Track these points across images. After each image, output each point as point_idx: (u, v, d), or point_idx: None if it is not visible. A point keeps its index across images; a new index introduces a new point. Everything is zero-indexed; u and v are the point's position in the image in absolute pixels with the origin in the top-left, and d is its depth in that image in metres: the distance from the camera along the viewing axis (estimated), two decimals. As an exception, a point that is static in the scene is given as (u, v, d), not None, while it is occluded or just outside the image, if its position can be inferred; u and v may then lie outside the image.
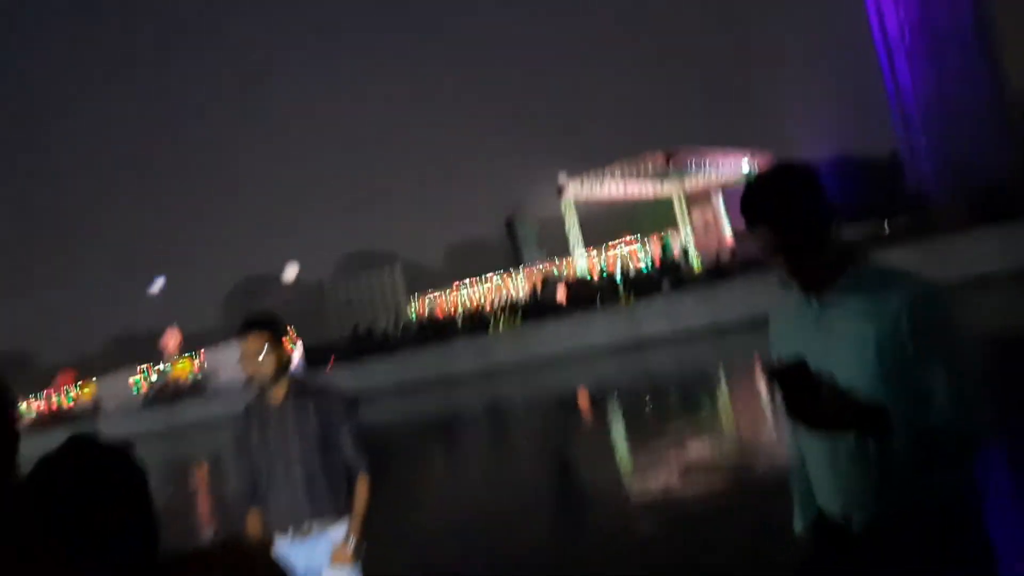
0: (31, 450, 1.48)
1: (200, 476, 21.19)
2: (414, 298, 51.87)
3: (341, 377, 36.66)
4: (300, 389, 3.74)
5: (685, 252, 43.16)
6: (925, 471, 1.95)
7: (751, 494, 7.78)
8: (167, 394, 50.20)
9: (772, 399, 12.35)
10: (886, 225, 37.67)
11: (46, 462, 1.36)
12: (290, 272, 70.26)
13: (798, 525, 2.38)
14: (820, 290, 2.09)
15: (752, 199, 2.08)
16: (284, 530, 3.60)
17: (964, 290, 26.88)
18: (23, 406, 65.83)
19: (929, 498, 1.98)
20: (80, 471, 1.33)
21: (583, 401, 20.22)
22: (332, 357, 42.92)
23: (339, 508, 3.63)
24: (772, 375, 1.86)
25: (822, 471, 2.13)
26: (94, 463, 1.36)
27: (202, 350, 52.42)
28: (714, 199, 49.67)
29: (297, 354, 43.02)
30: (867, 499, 2.02)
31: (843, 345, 2.01)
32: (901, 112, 54.69)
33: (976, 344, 1.93)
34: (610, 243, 47.90)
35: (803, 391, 1.82)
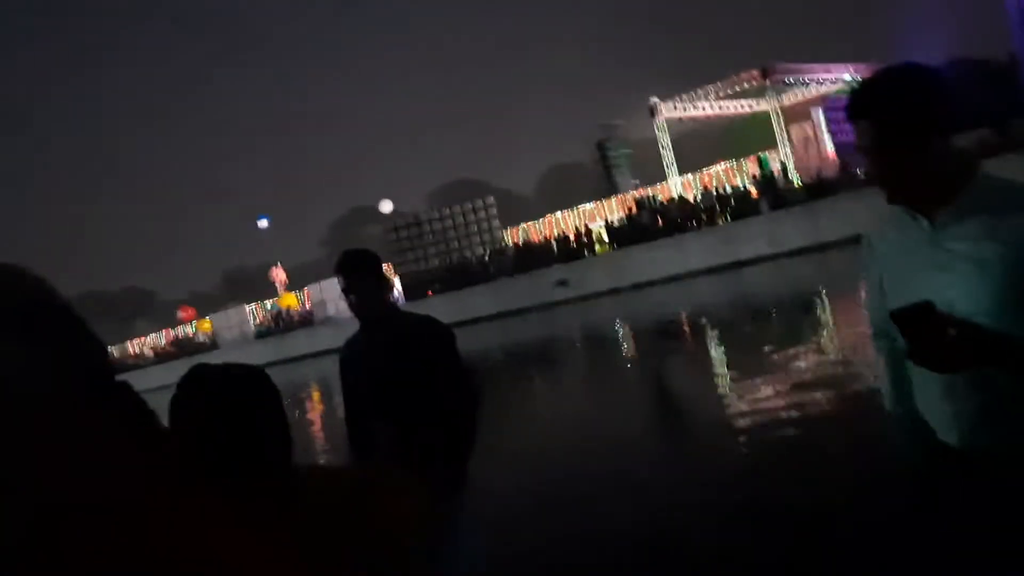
0: (162, 379, 1.72)
1: (314, 401, 22.37)
2: (508, 227, 52.17)
3: (440, 307, 37.56)
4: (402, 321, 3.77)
5: (784, 170, 41.77)
6: None
7: (851, 419, 7.78)
8: (278, 326, 52.58)
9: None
10: (1004, 132, 35.34)
11: (191, 383, 1.58)
12: (385, 206, 71.49)
13: (903, 458, 2.23)
14: (933, 209, 1.93)
15: (861, 91, 1.94)
16: None
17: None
18: (149, 339, 70.28)
19: None
20: (221, 390, 1.55)
21: (682, 325, 20.21)
22: (430, 289, 43.93)
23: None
24: (895, 319, 1.75)
25: (934, 399, 2.01)
26: (235, 383, 1.58)
27: (307, 286, 54.46)
28: (814, 114, 47.56)
29: (396, 286, 44.17)
30: (989, 426, 1.89)
31: (962, 269, 1.86)
32: (1018, 8, 50.58)
33: None
34: (706, 167, 46.73)
35: (929, 335, 1.71)
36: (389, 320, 3.79)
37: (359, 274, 3.71)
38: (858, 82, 2.01)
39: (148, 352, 66.80)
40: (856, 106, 1.92)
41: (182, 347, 61.61)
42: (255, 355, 45.35)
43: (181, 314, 76.31)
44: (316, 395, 23.88)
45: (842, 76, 53.34)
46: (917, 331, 1.71)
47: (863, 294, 2.28)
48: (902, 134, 1.87)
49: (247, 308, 57.38)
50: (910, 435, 2.17)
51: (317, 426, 17.22)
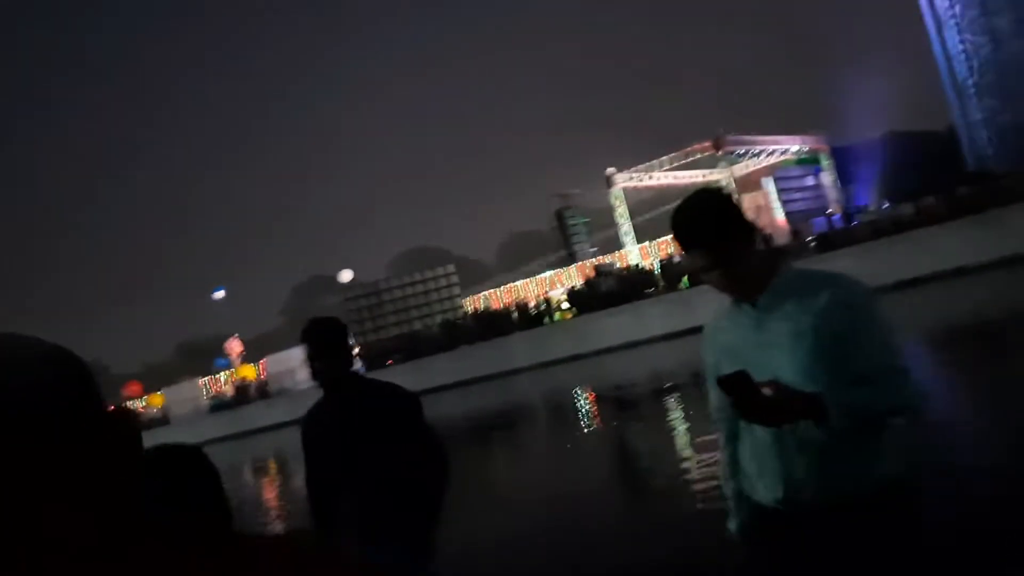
0: None
1: (270, 475, 21.80)
2: (468, 295, 52.28)
3: (400, 376, 37.15)
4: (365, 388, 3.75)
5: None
6: (865, 452, 2.15)
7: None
8: (233, 400, 51.53)
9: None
10: (947, 199, 36.68)
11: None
12: (345, 275, 71.27)
13: (733, 525, 2.51)
14: (754, 297, 2.28)
15: (681, 227, 2.27)
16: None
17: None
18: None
19: (866, 482, 2.14)
20: (158, 469, 1.55)
21: (639, 391, 20.26)
22: (391, 359, 43.57)
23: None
24: (720, 385, 2.07)
25: (767, 461, 2.26)
26: (171, 462, 1.57)
27: (265, 357, 53.64)
28: (765, 184, 48.99)
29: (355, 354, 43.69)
30: (811, 484, 2.17)
31: (783, 343, 2.19)
32: (954, 83, 53.17)
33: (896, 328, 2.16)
34: (663, 236, 47.64)
35: (749, 395, 2.02)
36: (354, 387, 3.74)
37: (326, 341, 3.68)
38: (677, 208, 2.30)
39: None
40: (683, 239, 2.28)
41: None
42: (209, 429, 44.24)
43: (126, 391, 74.24)
44: (273, 468, 23.30)
45: (791, 147, 55.23)
46: (740, 394, 2.02)
47: (706, 379, 2.56)
48: (727, 252, 2.22)
49: (200, 381, 56.23)
50: (740, 503, 2.48)
51: (274, 499, 16.77)
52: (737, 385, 2.03)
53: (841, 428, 2.02)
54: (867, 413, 2.09)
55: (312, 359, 3.65)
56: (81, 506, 0.95)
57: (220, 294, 70.08)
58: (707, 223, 2.23)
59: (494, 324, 41.68)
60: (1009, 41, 50.73)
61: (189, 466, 1.61)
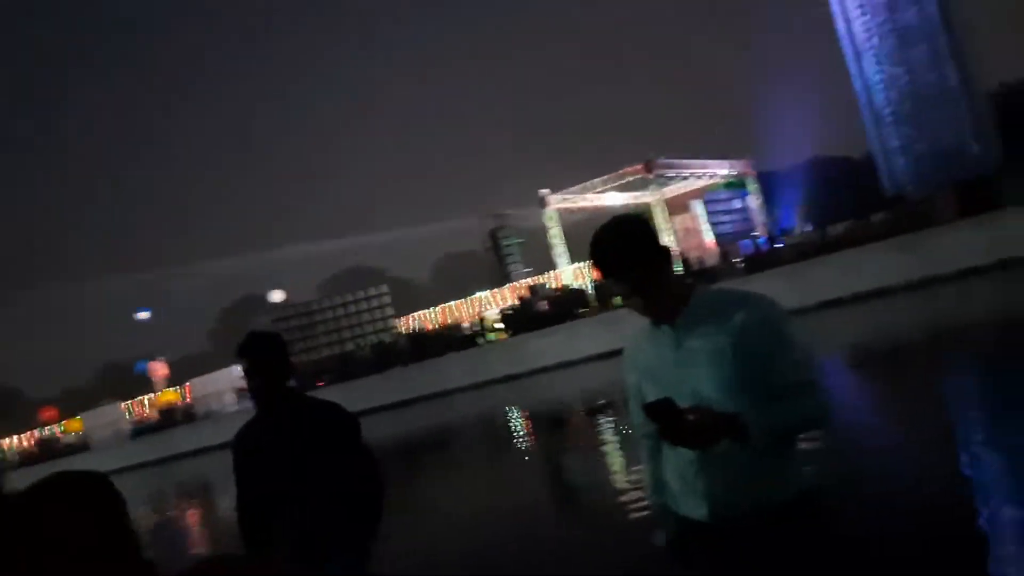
0: (25, 483, 1.64)
1: (197, 500, 21.14)
2: (401, 316, 51.88)
3: (330, 397, 36.59)
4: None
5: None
6: (782, 465, 2.25)
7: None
8: (157, 424, 49.91)
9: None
10: (866, 223, 38.07)
11: (27, 494, 1.50)
12: (276, 295, 69.95)
13: (660, 539, 2.58)
14: (672, 319, 2.35)
15: (599, 254, 2.34)
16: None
17: (944, 284, 27.35)
18: (11, 442, 65.19)
19: (784, 493, 2.25)
20: (59, 499, 1.49)
21: (573, 411, 20.34)
22: (322, 379, 42.85)
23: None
24: (646, 412, 2.13)
25: (691, 478, 2.33)
26: (72, 492, 1.50)
27: (191, 380, 52.16)
28: (694, 207, 50.10)
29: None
30: (733, 498, 2.26)
31: (701, 361, 2.27)
32: (872, 111, 55.34)
33: (809, 344, 2.23)
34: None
35: (674, 421, 2.09)
36: (292, 405, 3.64)
37: (265, 355, 3.58)
38: (596, 236, 2.36)
39: (12, 455, 61.88)
40: (603, 267, 2.35)
41: (47, 449, 57.31)
42: (131, 455, 42.73)
43: (42, 416, 71.21)
44: (200, 493, 22.59)
45: (719, 171, 56.65)
46: (665, 420, 2.08)
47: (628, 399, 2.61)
48: (642, 279, 2.30)
49: (123, 405, 54.29)
50: (666, 517, 2.53)
51: (201, 523, 16.24)
52: (662, 412, 2.09)
53: (761, 445, 2.10)
54: (785, 428, 2.18)
55: (250, 375, 3.54)
56: None
57: (144, 315, 67.98)
58: (624, 251, 2.29)
59: (428, 345, 41.43)
60: (924, 72, 53.09)
61: (80, 495, 1.53)
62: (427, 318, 50.57)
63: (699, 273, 35.38)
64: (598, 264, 2.37)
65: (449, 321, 46.99)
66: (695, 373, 2.27)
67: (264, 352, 3.62)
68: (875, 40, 54.86)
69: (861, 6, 54.96)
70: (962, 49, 53.23)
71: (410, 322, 51.09)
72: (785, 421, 2.17)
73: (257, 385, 3.60)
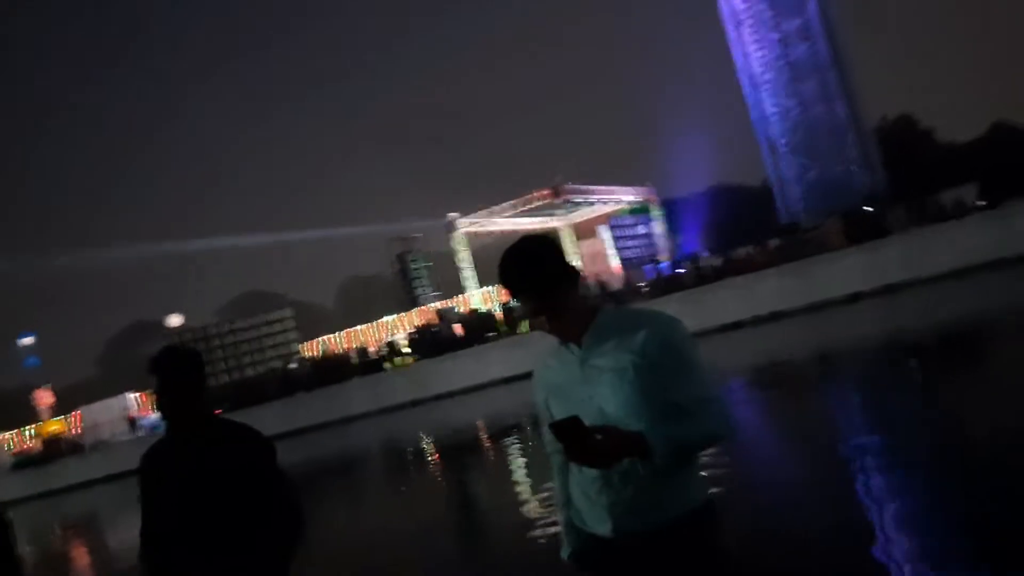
0: None
1: (84, 534, 19.96)
2: (306, 341, 50.75)
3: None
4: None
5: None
6: (682, 482, 2.30)
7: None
8: (40, 455, 47.12)
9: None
10: (763, 249, 39.50)
11: None
12: (173, 319, 67.37)
13: (565, 552, 2.60)
14: (578, 338, 2.39)
15: (507, 274, 2.36)
16: None
17: (835, 307, 28.59)
18: None
19: (683, 509, 2.30)
20: None
21: (481, 435, 20.23)
22: (220, 408, 41.40)
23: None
24: (552, 430, 2.13)
25: (594, 495, 2.37)
26: None
27: (79, 408, 49.53)
28: (601, 232, 51.02)
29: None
30: (636, 513, 2.30)
31: (606, 379, 2.31)
32: (768, 142, 57.77)
33: (709, 361, 2.30)
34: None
35: (580, 440, 2.10)
36: (206, 426, 3.45)
37: (180, 371, 3.37)
38: (504, 257, 2.38)
39: None
40: (510, 286, 2.37)
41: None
42: (11, 489, 40.17)
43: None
44: (86, 527, 21.37)
45: (624, 198, 57.93)
46: (571, 439, 2.10)
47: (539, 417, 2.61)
48: (551, 297, 2.33)
49: (3, 436, 51.12)
50: (571, 532, 2.56)
51: (86, 562, 15.33)
52: (568, 431, 2.09)
53: (664, 463, 2.15)
54: (688, 445, 2.23)
55: (161, 393, 3.29)
56: None
57: (28, 340, 64.26)
58: (532, 270, 2.32)
59: (332, 370, 40.61)
60: (815, 105, 55.84)
61: None
62: (332, 342, 49.60)
63: (605, 297, 35.95)
64: (506, 282, 2.38)
65: (355, 345, 46.21)
66: (600, 391, 2.30)
67: (178, 368, 3.38)
68: (770, 74, 57.42)
69: (757, 41, 57.51)
70: (850, 84, 56.27)
71: (315, 347, 49.98)
72: (688, 438, 2.21)
73: (169, 404, 3.36)
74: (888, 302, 26.53)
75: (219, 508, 3.22)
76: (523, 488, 11.86)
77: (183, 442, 3.36)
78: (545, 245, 2.38)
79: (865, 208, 41.89)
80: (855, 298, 28.95)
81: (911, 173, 53.58)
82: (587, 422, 2.12)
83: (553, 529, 8.17)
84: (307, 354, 49.06)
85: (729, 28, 59.73)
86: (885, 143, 58.27)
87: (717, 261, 42.30)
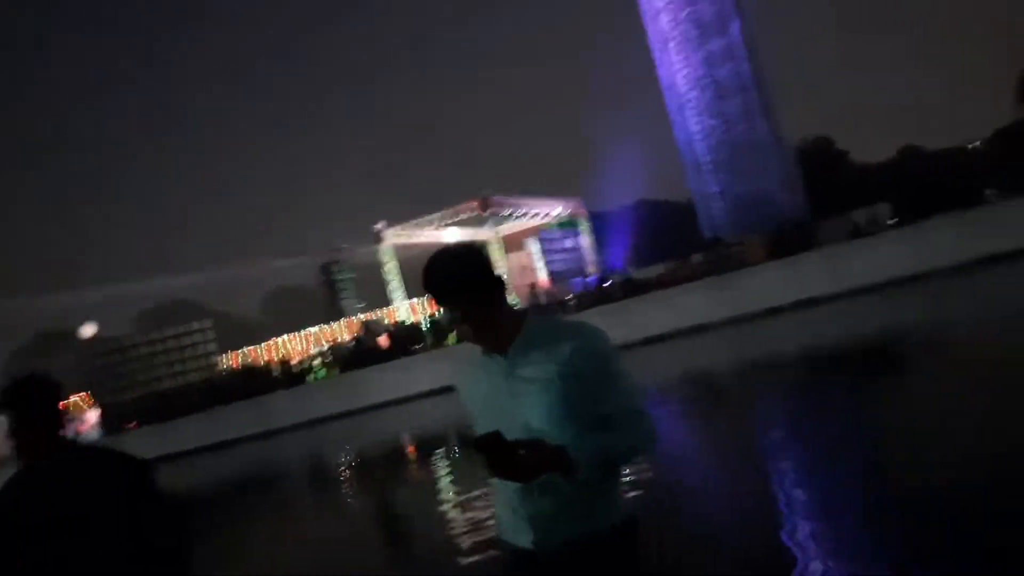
0: None
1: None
2: (227, 352, 49.43)
3: (143, 439, 34.13)
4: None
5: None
6: (605, 494, 2.29)
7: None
8: None
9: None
10: (685, 263, 40.23)
11: None
12: (87, 330, 64.70)
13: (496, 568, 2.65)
14: (504, 348, 2.36)
15: (432, 281, 2.34)
16: None
17: (755, 321, 29.25)
18: None
19: (606, 523, 2.29)
20: None
21: (406, 450, 19.94)
22: (133, 421, 39.90)
23: None
24: (475, 446, 2.11)
25: (516, 507, 2.35)
26: None
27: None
28: (529, 243, 51.22)
29: (93, 418, 39.64)
30: (559, 527, 2.27)
31: (532, 390, 2.29)
32: (692, 159, 59.07)
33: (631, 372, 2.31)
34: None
35: (501, 455, 2.09)
36: (66, 460, 3.14)
37: (33, 404, 3.07)
38: (427, 265, 2.36)
39: None
40: (435, 295, 2.36)
41: None
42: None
43: None
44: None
45: (553, 211, 58.32)
46: (494, 454, 2.08)
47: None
48: (474, 306, 2.33)
49: None
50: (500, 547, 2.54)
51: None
52: (490, 445, 2.08)
53: (588, 477, 2.14)
54: (612, 457, 2.23)
55: (14, 427, 3.01)
56: None
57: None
58: (457, 277, 2.31)
59: (255, 382, 39.60)
60: (738, 123, 57.37)
61: None
62: (255, 354, 48.43)
63: (533, 309, 36.02)
64: (431, 290, 2.36)
65: (278, 357, 45.18)
66: (525, 402, 2.29)
67: (32, 400, 3.08)
68: (695, 93, 58.75)
69: (682, 60, 58.80)
70: (771, 104, 58.02)
71: (237, 358, 48.72)
72: (612, 450, 2.21)
73: (23, 438, 3.06)
74: (809, 315, 27.27)
75: (87, 543, 2.97)
76: (448, 502, 11.66)
77: (42, 477, 3.07)
78: (470, 253, 2.37)
79: (785, 224, 43.16)
80: (776, 311, 29.68)
81: (829, 192, 55.52)
82: (512, 434, 2.11)
83: (474, 543, 8.04)
84: (228, 365, 47.78)
85: (655, 47, 60.97)
86: (805, 163, 60.26)
87: (643, 275, 42.91)
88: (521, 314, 2.45)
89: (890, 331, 19.46)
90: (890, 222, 42.56)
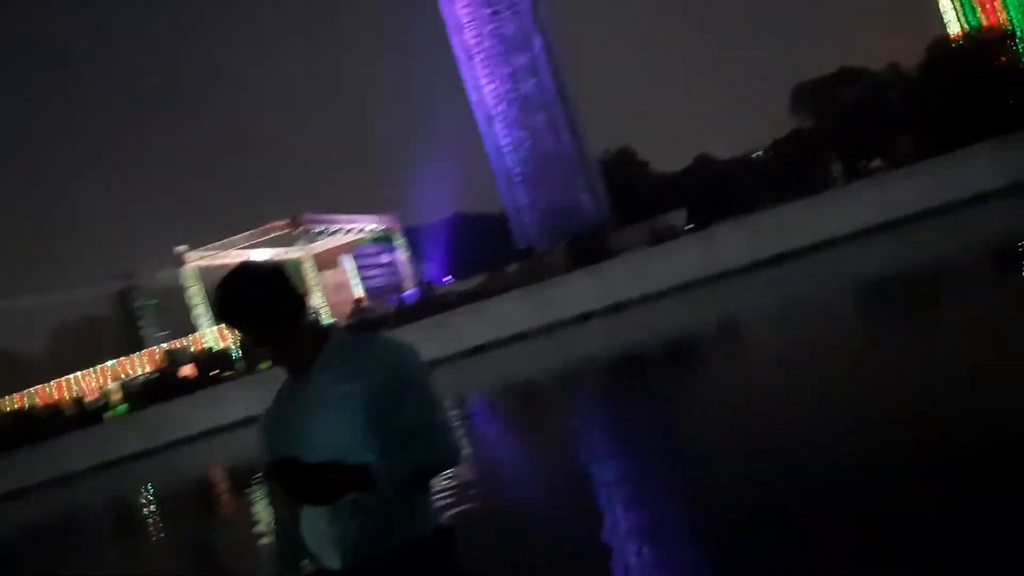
0: None
1: None
2: (10, 395, 44.85)
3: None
4: None
5: (318, 314, 42.88)
6: (412, 507, 2.25)
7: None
8: None
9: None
10: (500, 275, 40.92)
11: None
12: None
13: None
14: (306, 367, 2.29)
15: (224, 304, 2.26)
16: None
17: (568, 328, 30.19)
18: None
19: (415, 534, 2.25)
20: None
21: (216, 484, 18.86)
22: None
23: None
24: (268, 473, 2.06)
25: (322, 527, 2.27)
26: None
27: None
28: (343, 261, 50.27)
29: None
30: (366, 544, 2.22)
31: (333, 409, 2.20)
32: (503, 172, 60.36)
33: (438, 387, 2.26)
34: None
35: (297, 479, 2.03)
36: None
37: None
38: (219, 287, 2.26)
39: None
40: (227, 318, 2.25)
41: None
42: None
43: None
44: None
45: (367, 226, 57.54)
46: (287, 479, 2.03)
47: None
48: (272, 328, 2.25)
49: None
50: (286, 562, 2.46)
51: None
52: (284, 472, 2.02)
53: (392, 492, 2.11)
54: (414, 473, 2.19)
55: None
56: None
57: None
58: (251, 299, 2.23)
59: (41, 424, 36.11)
60: (544, 137, 59.23)
61: None
62: (44, 393, 44.24)
63: (355, 326, 35.29)
64: (222, 315, 2.27)
65: (69, 396, 41.49)
66: (327, 420, 2.21)
67: None
68: (502, 107, 60.09)
69: (489, 75, 60.00)
70: (576, 117, 60.38)
71: (23, 399, 44.29)
72: (415, 467, 2.18)
73: None
74: (616, 319, 28.46)
75: None
76: (262, 535, 11.07)
77: None
78: (262, 273, 2.29)
79: (591, 233, 44.94)
80: (587, 317, 30.76)
81: (632, 200, 58.50)
82: (316, 453, 2.07)
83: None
84: (9, 408, 43.30)
85: (462, 62, 61.80)
86: (609, 173, 63.18)
87: (460, 287, 43.21)
88: (325, 331, 2.38)
89: (686, 331, 20.68)
90: (687, 228, 45.39)
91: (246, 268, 2.32)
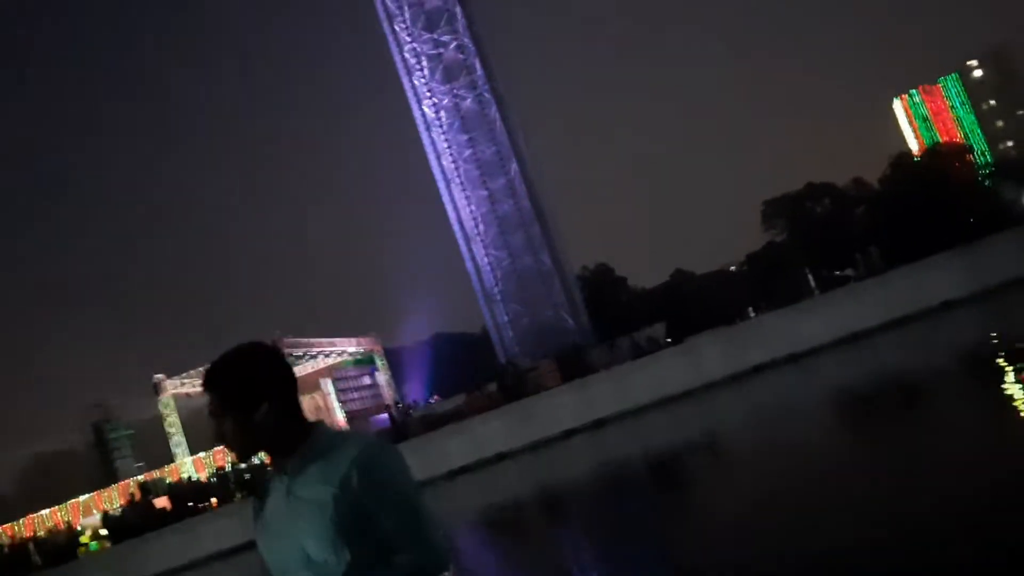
0: None
1: None
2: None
3: None
4: None
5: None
6: None
7: None
8: None
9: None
10: (481, 393, 40.63)
11: None
12: None
13: None
14: (287, 463, 2.22)
15: (211, 367, 2.25)
16: None
17: (552, 446, 29.80)
18: None
19: None
20: None
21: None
22: None
23: None
24: None
25: None
26: None
27: None
28: (324, 385, 49.84)
29: None
30: None
31: (307, 512, 2.12)
32: (483, 291, 60.93)
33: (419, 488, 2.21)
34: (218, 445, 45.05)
35: None
36: None
37: None
38: (208, 368, 2.27)
39: None
40: (205, 379, 2.24)
41: None
42: None
43: None
44: None
45: (347, 349, 57.34)
46: None
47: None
48: (235, 400, 2.18)
49: None
50: None
51: None
52: None
53: None
54: None
55: None
56: None
57: None
58: (231, 367, 2.21)
59: (10, 565, 34.57)
60: (523, 256, 60.16)
61: None
62: (12, 532, 42.57)
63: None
64: (206, 375, 2.26)
65: (40, 533, 39.94)
66: (303, 526, 2.13)
67: None
68: (481, 227, 61.25)
69: (467, 197, 61.45)
70: (552, 236, 61.56)
71: (-12, 539, 42.46)
72: (403, 573, 2.09)
73: None
74: (598, 436, 28.23)
75: None
76: None
77: None
78: (261, 352, 2.26)
79: (573, 349, 45.00)
80: (570, 434, 30.45)
81: (611, 315, 58.98)
82: (292, 559, 2.05)
83: None
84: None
85: (441, 185, 63.37)
86: (587, 289, 63.91)
87: (442, 407, 42.78)
88: (308, 427, 2.28)
89: (667, 447, 20.52)
90: (666, 341, 45.60)
91: (250, 344, 2.29)
